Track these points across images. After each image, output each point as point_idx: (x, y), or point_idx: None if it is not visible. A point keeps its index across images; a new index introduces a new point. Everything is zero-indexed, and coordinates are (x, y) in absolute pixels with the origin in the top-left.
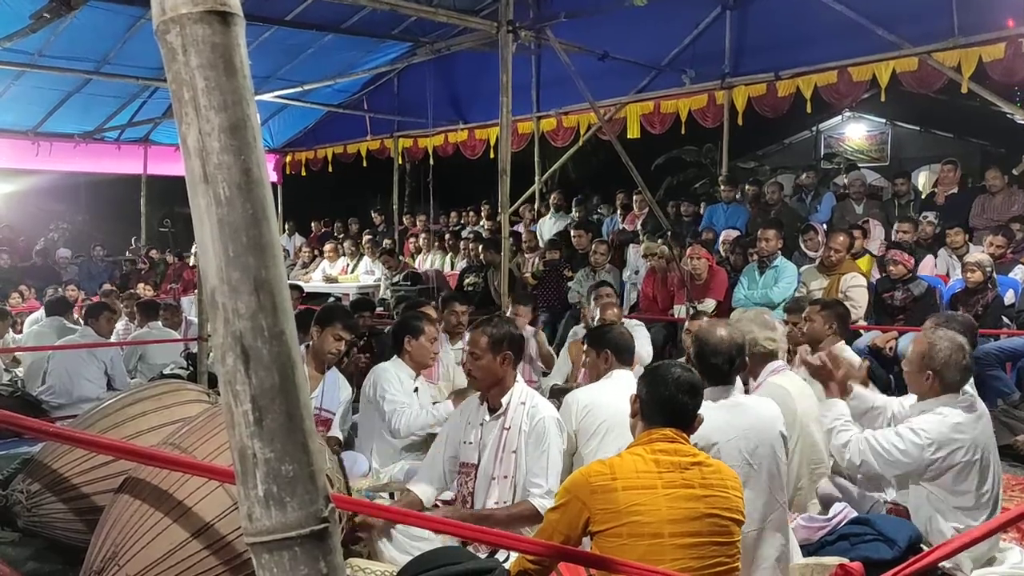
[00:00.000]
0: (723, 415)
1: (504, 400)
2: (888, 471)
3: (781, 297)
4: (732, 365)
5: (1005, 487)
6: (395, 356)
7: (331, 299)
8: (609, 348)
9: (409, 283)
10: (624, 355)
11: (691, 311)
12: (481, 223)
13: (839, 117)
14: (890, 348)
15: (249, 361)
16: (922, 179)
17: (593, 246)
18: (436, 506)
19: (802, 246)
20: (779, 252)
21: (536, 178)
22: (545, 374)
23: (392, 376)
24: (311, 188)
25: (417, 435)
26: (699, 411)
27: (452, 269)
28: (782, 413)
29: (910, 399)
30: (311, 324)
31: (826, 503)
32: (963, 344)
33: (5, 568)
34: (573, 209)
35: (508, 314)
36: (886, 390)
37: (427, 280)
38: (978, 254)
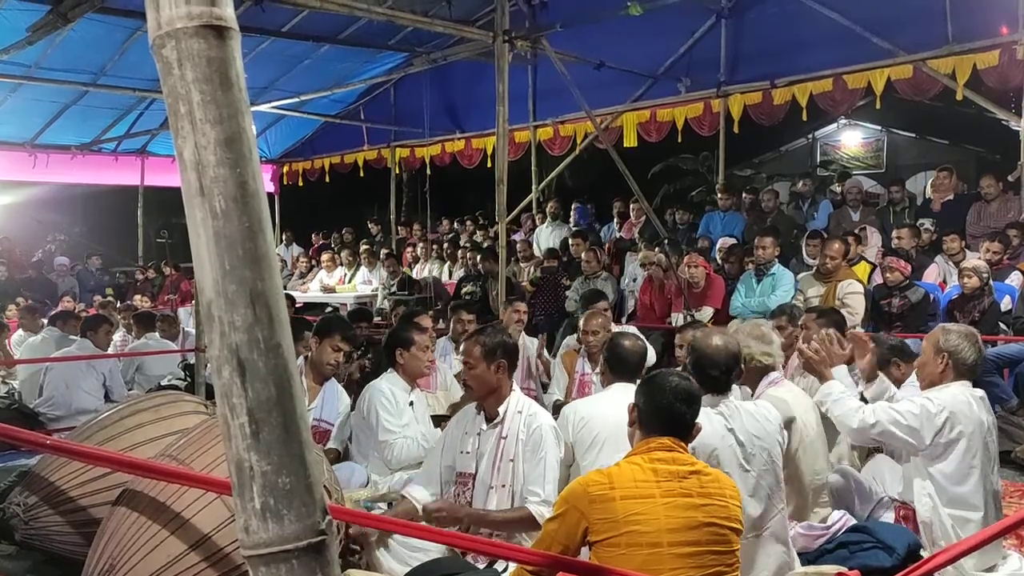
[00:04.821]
0: (721, 421)
1: (501, 409)
2: (899, 435)
3: (778, 304)
4: (730, 374)
5: (1004, 494)
6: (389, 369)
7: (328, 309)
8: (604, 359)
9: (406, 292)
10: (620, 372)
11: (688, 319)
12: (476, 233)
13: (835, 124)
14: None
15: (245, 373)
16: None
17: (584, 255)
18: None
19: (804, 253)
20: (776, 260)
21: (533, 187)
22: (544, 385)
23: (386, 396)
24: (308, 198)
25: (407, 465)
26: (697, 419)
27: (450, 278)
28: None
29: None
30: (307, 335)
31: (836, 495)
32: (974, 332)
33: None
34: (572, 216)
35: (506, 315)
36: None
37: (425, 288)
38: (975, 260)
